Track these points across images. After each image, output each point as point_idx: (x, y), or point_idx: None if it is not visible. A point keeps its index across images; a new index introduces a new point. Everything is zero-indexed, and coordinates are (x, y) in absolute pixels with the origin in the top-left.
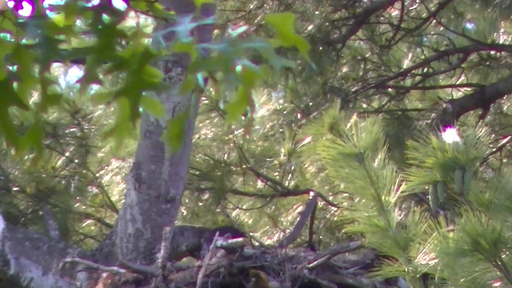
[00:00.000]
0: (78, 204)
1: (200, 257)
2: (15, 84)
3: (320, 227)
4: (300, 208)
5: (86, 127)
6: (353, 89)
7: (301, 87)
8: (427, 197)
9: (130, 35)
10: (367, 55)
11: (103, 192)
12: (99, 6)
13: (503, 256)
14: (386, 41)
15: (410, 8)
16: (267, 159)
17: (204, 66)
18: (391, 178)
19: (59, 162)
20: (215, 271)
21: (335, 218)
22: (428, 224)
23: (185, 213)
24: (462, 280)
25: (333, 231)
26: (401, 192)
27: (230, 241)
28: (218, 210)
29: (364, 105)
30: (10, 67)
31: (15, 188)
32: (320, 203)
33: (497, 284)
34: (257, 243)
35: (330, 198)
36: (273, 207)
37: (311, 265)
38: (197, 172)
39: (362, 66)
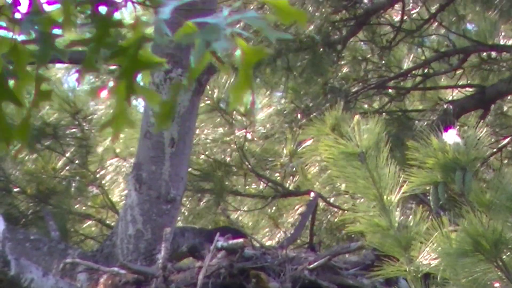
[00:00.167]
0: (78, 205)
1: (200, 257)
2: (10, 82)
3: (321, 228)
4: (301, 209)
5: (87, 128)
6: (353, 90)
7: (302, 87)
8: (428, 197)
9: (128, 25)
10: (367, 56)
11: (104, 193)
12: None
13: (504, 256)
14: (386, 42)
15: (412, 12)
16: (268, 160)
17: (194, 37)
18: (393, 177)
19: (60, 163)
20: (216, 272)
21: (336, 219)
22: (430, 224)
23: (186, 213)
24: (463, 280)
25: (334, 232)
26: (403, 193)
27: (230, 242)
28: (218, 211)
29: (365, 106)
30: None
31: (15, 189)
32: (321, 204)
33: (498, 285)
34: (257, 244)
35: (331, 199)
36: (274, 208)
37: (311, 266)
38: (198, 173)
39: (362, 66)
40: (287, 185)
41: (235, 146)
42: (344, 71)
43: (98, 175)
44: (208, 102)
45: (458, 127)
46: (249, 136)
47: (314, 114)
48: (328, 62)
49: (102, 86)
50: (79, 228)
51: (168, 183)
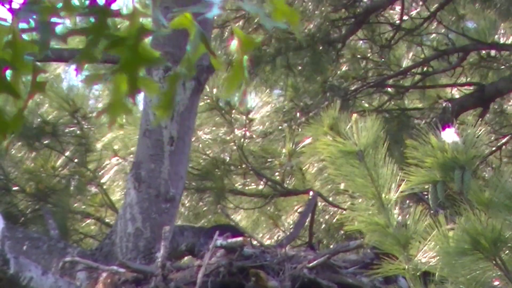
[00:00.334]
0: (77, 203)
1: (200, 256)
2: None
3: (321, 227)
4: (301, 208)
5: (86, 126)
6: (352, 88)
7: (301, 85)
8: (427, 196)
9: (127, 15)
10: (367, 54)
11: (103, 192)
12: None
13: (503, 255)
14: (386, 40)
15: (413, 12)
16: (268, 159)
17: (187, 10)
18: (392, 176)
19: (59, 162)
20: (215, 270)
21: (335, 218)
22: (429, 223)
23: (186, 213)
24: (462, 278)
25: (333, 231)
26: (401, 192)
27: (229, 240)
28: (218, 210)
29: (364, 104)
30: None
31: (15, 188)
32: (320, 204)
33: (497, 283)
34: (257, 243)
35: (330, 199)
36: (273, 207)
37: (311, 264)
38: (197, 172)
39: (362, 65)
40: (287, 184)
41: (234, 145)
42: (343, 69)
43: (98, 173)
44: (208, 101)
45: (457, 125)
46: (248, 134)
47: (313, 112)
48: (327, 61)
49: (97, 74)
50: (79, 226)
51: (167, 182)
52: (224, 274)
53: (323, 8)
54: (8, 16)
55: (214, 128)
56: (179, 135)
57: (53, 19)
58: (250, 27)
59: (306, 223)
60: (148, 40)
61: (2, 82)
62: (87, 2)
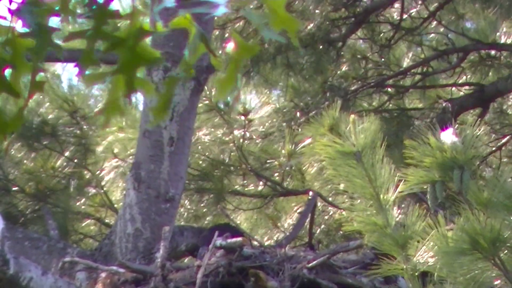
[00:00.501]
0: (77, 203)
1: (199, 256)
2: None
3: (320, 228)
4: (300, 209)
5: (85, 127)
6: (352, 88)
7: (301, 85)
8: (426, 196)
9: (125, 15)
10: (367, 54)
11: (103, 192)
12: None
13: (502, 255)
14: (386, 40)
15: (412, 11)
16: (267, 160)
17: (187, 10)
18: (389, 176)
19: (59, 162)
20: (214, 270)
21: (334, 218)
22: (427, 223)
23: (185, 214)
24: (461, 278)
25: (333, 231)
26: (400, 192)
27: (229, 240)
28: (218, 211)
29: (364, 104)
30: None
31: (14, 188)
32: (320, 204)
33: (496, 283)
34: (256, 243)
35: (330, 199)
36: (273, 208)
37: (310, 264)
38: (197, 173)
39: (362, 65)
40: (286, 184)
41: (234, 146)
42: (343, 69)
43: (97, 173)
44: (207, 102)
45: (457, 125)
46: (247, 135)
47: (313, 112)
48: (327, 60)
49: (97, 74)
50: (78, 227)
51: (167, 182)
52: (224, 274)
53: (323, 8)
54: (8, 15)
55: (213, 129)
56: (179, 135)
57: (51, 24)
58: (251, 27)
59: (306, 224)
60: (148, 40)
61: (2, 81)
62: (86, 1)
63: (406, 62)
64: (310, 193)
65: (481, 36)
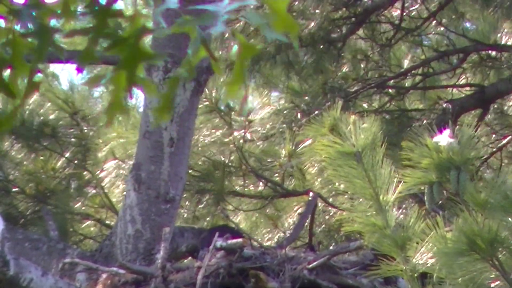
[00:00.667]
0: (77, 204)
1: (199, 257)
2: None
3: (320, 228)
4: (300, 209)
5: (86, 128)
6: (353, 89)
7: (302, 86)
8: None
9: (129, 17)
10: (367, 54)
11: (103, 193)
12: None
13: (500, 256)
14: (386, 40)
15: (411, 9)
16: (267, 160)
17: (192, 23)
18: (389, 177)
19: (59, 163)
20: (215, 271)
21: (334, 219)
22: (426, 224)
23: (185, 215)
24: (460, 279)
25: (333, 232)
26: (399, 193)
27: (229, 241)
28: (218, 211)
29: (365, 105)
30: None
31: (14, 189)
32: (320, 205)
33: (494, 284)
34: (256, 244)
35: (330, 200)
36: (273, 209)
37: (310, 265)
38: (197, 174)
39: (362, 66)
40: (286, 185)
41: (234, 147)
42: (344, 70)
43: (97, 174)
44: (207, 103)
45: (456, 126)
46: (248, 136)
47: (314, 113)
48: (328, 60)
49: (99, 76)
50: (78, 228)
51: (167, 183)
52: (224, 276)
53: (323, 8)
54: (8, 16)
55: (213, 130)
56: (179, 136)
57: (52, 24)
58: (252, 27)
59: (306, 224)
60: (149, 41)
61: (0, 82)
62: (88, 2)
63: (406, 63)
64: (311, 193)
65: (481, 37)
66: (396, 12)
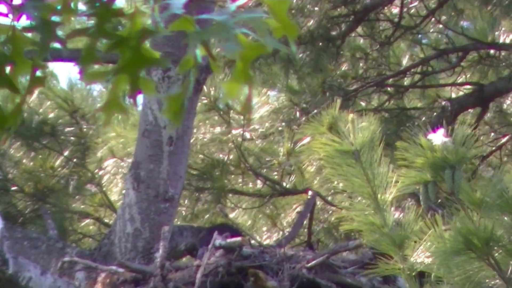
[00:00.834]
0: (76, 203)
1: (199, 256)
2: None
3: (319, 227)
4: (299, 208)
5: (85, 127)
6: (352, 88)
7: (301, 84)
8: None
9: (128, 15)
10: (366, 51)
11: (102, 192)
12: None
13: (496, 254)
14: (385, 38)
15: (410, 6)
16: (266, 159)
17: (203, 36)
18: (387, 176)
19: (58, 162)
20: (214, 270)
21: (333, 218)
22: (424, 223)
23: (184, 213)
24: (457, 278)
25: (332, 230)
26: (396, 192)
27: (228, 240)
28: (216, 210)
29: (363, 104)
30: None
31: (13, 188)
32: (319, 203)
33: (492, 282)
34: (255, 243)
35: (329, 198)
36: (272, 207)
37: (309, 264)
38: (196, 172)
39: (361, 64)
40: (285, 183)
41: (233, 145)
42: (343, 69)
43: (96, 171)
44: (205, 101)
45: (453, 125)
46: (247, 134)
47: (313, 112)
48: (327, 58)
49: (97, 72)
50: (77, 226)
51: (166, 182)
52: (223, 274)
53: (322, 6)
54: (9, 11)
55: (212, 128)
56: (178, 135)
57: (54, 18)
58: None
59: (305, 223)
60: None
61: (1, 77)
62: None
63: (405, 62)
64: (310, 192)
65: (480, 35)
66: (395, 10)
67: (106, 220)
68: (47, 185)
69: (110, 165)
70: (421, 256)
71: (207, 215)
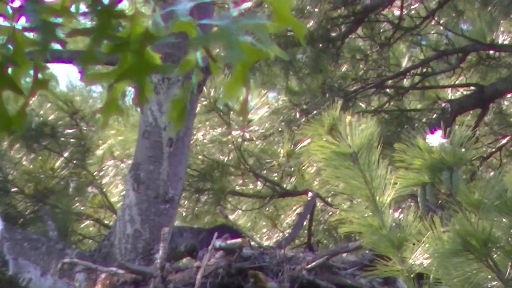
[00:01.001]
0: (76, 204)
1: (198, 257)
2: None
3: (319, 228)
4: (299, 209)
5: (85, 128)
6: (352, 89)
7: (300, 85)
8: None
9: (129, 16)
10: (366, 53)
11: (102, 193)
12: None
13: (494, 256)
14: (385, 39)
15: (411, 7)
16: (266, 160)
17: (205, 41)
18: (385, 178)
19: (58, 163)
20: (214, 271)
21: (333, 219)
22: (423, 224)
23: (184, 214)
24: (455, 280)
25: (332, 232)
26: (394, 194)
27: (228, 241)
28: (216, 211)
29: (363, 105)
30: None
31: (14, 189)
32: (319, 205)
33: (490, 284)
34: (255, 244)
35: (329, 199)
36: (272, 208)
37: (309, 265)
38: (196, 173)
39: (361, 65)
40: (285, 185)
41: (232, 146)
42: (343, 70)
43: (96, 173)
44: (205, 102)
45: (452, 127)
46: (247, 135)
47: (313, 113)
48: (327, 59)
49: (97, 73)
50: (77, 228)
51: (166, 183)
52: (223, 276)
53: (322, 6)
54: (8, 13)
55: (211, 129)
56: (178, 136)
57: (54, 19)
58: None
59: (305, 224)
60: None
61: (4, 78)
62: (90, 1)
63: (405, 63)
64: (309, 193)
65: (479, 36)
66: (395, 11)
67: (106, 222)
68: (47, 187)
69: (110, 166)
70: (419, 257)
71: (207, 216)
